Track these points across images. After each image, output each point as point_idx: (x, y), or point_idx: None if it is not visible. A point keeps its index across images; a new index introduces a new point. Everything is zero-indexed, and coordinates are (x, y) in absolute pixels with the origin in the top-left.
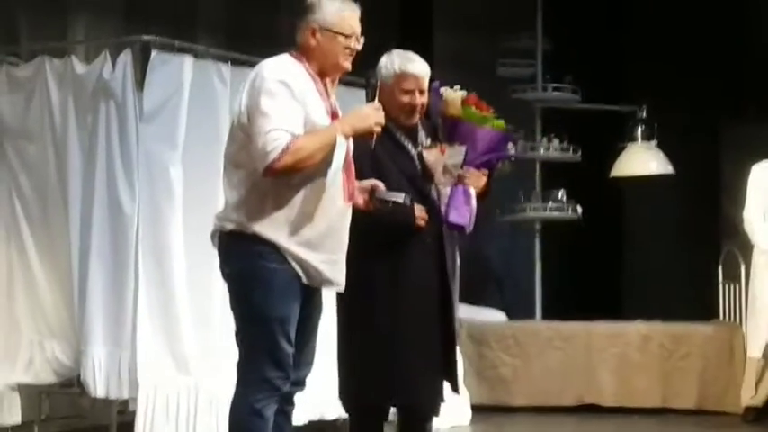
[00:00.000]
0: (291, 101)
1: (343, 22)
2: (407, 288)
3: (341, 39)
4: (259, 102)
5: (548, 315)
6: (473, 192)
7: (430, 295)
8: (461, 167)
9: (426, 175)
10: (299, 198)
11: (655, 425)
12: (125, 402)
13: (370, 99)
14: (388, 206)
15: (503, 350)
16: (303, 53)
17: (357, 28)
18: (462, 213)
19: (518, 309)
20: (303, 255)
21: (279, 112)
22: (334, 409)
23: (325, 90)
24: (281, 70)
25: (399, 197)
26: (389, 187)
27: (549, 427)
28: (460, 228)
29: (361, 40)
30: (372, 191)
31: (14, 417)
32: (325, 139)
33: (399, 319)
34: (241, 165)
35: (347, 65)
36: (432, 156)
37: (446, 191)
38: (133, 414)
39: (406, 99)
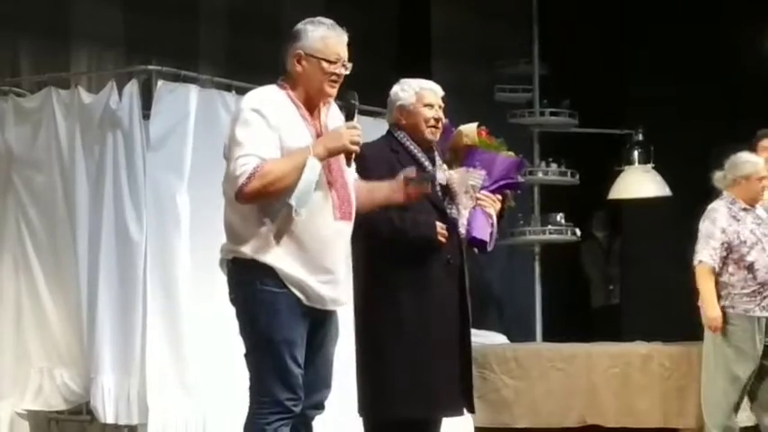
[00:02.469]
0: (265, 128)
1: (328, 49)
2: (432, 304)
3: (325, 65)
4: (234, 132)
5: (548, 337)
6: (493, 212)
7: (452, 312)
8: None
9: (446, 195)
10: (288, 222)
11: None
12: (134, 429)
13: (347, 119)
14: (426, 186)
15: (505, 372)
16: (289, 80)
17: (343, 53)
18: (485, 231)
19: (518, 331)
20: (301, 276)
21: (250, 140)
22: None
23: (312, 116)
24: (257, 100)
25: (429, 174)
26: (411, 206)
27: None
28: (483, 244)
29: (349, 65)
30: (404, 180)
31: None
32: (296, 162)
33: (426, 335)
34: (231, 196)
35: (331, 91)
36: (456, 176)
37: (465, 212)
38: None
39: (430, 113)
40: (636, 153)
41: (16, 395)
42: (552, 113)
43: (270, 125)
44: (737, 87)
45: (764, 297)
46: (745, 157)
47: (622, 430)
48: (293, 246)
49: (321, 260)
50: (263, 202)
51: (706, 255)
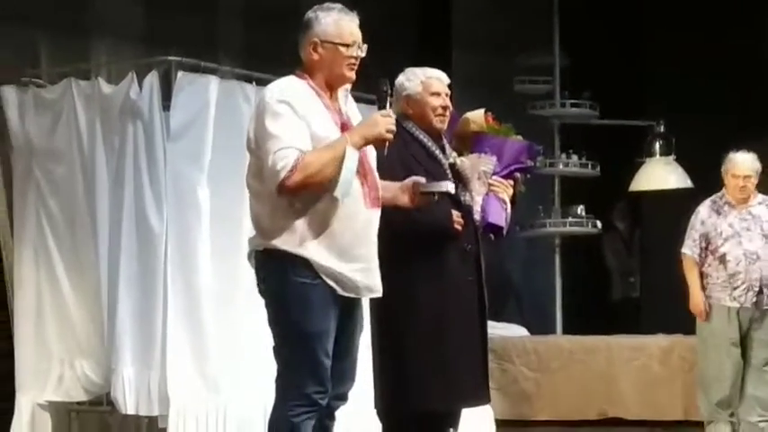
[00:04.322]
0: (296, 119)
1: (343, 32)
2: (450, 293)
3: (342, 49)
4: (264, 124)
5: (568, 329)
6: (506, 197)
7: (470, 300)
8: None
9: (459, 183)
10: (320, 212)
11: None
12: (154, 420)
13: (381, 106)
14: (434, 198)
15: (525, 365)
16: (307, 70)
17: (357, 35)
18: (500, 216)
19: (538, 323)
20: (335, 266)
21: (285, 131)
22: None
23: (333, 103)
24: (282, 91)
25: (443, 186)
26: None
27: None
28: (499, 229)
29: (364, 47)
30: (415, 186)
31: None
32: (335, 152)
33: (445, 325)
34: (259, 189)
35: (352, 75)
36: (468, 162)
37: (479, 198)
38: None
39: (437, 101)
40: (657, 145)
41: (37, 387)
42: (573, 105)
43: (299, 115)
44: (760, 79)
45: (735, 288)
46: (731, 154)
47: (643, 423)
48: (326, 236)
49: (354, 249)
50: (302, 195)
51: (687, 247)
